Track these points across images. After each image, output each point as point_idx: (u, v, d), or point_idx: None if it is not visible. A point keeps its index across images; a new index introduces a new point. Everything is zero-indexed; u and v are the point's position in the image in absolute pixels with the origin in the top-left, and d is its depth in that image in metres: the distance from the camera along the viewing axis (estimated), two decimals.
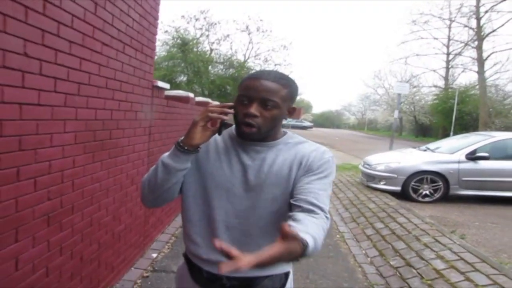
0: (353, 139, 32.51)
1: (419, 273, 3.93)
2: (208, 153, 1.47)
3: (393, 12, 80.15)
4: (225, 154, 1.45)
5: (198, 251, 1.47)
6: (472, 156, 7.76)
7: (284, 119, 1.43)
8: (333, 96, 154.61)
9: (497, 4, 27.21)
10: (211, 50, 30.63)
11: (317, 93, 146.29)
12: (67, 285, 2.52)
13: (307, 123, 54.02)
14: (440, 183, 7.71)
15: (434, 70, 40.44)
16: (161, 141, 4.46)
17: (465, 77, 36.31)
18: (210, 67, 29.65)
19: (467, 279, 3.63)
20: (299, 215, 1.20)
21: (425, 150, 9.02)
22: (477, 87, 31.83)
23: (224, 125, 1.39)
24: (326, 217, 1.26)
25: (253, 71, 1.50)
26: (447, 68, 39.32)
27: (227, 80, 28.69)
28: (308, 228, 1.11)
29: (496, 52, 30.28)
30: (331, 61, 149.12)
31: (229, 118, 1.39)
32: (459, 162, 7.76)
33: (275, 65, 35.10)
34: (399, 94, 12.09)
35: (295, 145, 1.46)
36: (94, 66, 2.61)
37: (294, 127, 45.58)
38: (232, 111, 1.38)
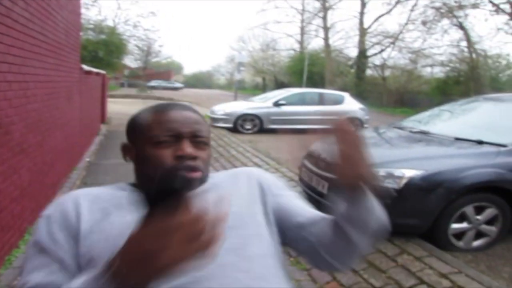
0: (218, 98, 35.87)
1: (227, 159, 8.09)
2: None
3: None
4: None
5: None
6: (276, 103, 12.30)
7: None
8: (204, 57, 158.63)
9: None
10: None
11: (187, 55, 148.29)
12: None
13: (178, 84, 56.89)
14: (257, 121, 12.11)
15: (291, 36, 45.67)
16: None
17: (318, 42, 42.71)
18: (81, 33, 30.35)
19: (248, 158, 7.81)
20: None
21: (249, 101, 13.46)
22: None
23: None
24: None
25: (159, 103, 1.06)
26: (302, 34, 44.42)
27: (99, 45, 30.30)
28: None
29: (336, 22, 36.61)
30: (200, 24, 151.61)
31: None
32: (268, 107, 12.24)
33: (145, 30, 37.26)
34: (239, 62, 16.48)
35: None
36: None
37: (165, 88, 48.55)
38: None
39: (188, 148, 0.93)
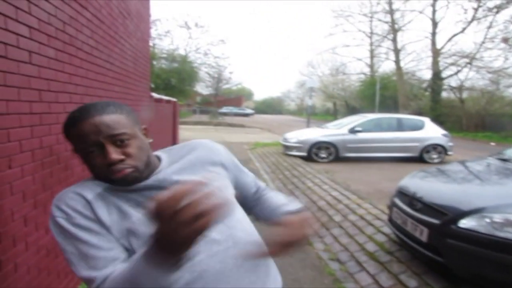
0: (289, 124, 36.08)
1: (303, 192, 7.59)
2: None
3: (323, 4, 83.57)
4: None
5: None
6: (352, 130, 11.65)
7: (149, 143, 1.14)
8: (274, 83, 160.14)
9: (404, 2, 32.40)
10: (153, 45, 32.16)
11: (258, 81, 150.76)
12: None
13: (248, 111, 57.52)
14: (333, 149, 11.52)
15: (360, 59, 44.79)
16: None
17: (388, 65, 41.77)
18: (154, 62, 31.90)
19: (326, 191, 7.28)
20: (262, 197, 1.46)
21: (323, 128, 12.90)
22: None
23: None
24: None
25: (71, 113, 1.06)
26: (371, 57, 43.46)
27: (172, 73, 31.33)
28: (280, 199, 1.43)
29: (406, 44, 35.40)
30: (269, 50, 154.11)
31: None
32: (343, 134, 11.62)
33: (215, 57, 38.25)
34: (310, 87, 16.02)
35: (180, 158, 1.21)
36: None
37: (236, 114, 49.20)
38: None
39: (112, 155, 1.02)
